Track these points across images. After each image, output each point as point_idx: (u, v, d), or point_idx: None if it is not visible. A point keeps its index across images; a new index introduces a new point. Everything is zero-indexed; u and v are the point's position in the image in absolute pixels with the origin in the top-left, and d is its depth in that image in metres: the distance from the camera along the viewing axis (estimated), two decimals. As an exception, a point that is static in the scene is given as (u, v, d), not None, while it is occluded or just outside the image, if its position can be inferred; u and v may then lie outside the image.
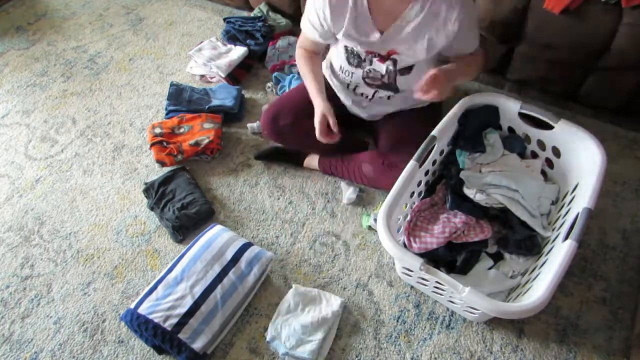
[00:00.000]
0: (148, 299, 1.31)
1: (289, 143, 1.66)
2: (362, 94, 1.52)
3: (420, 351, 1.30)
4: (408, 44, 1.30)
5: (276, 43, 2.06)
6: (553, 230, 1.34)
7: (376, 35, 1.30)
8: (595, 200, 1.19)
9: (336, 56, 1.47)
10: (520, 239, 1.36)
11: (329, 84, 1.60)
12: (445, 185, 1.47)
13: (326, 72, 1.62)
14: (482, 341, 1.31)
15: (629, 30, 1.41)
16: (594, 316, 1.33)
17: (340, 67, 1.47)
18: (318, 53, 1.53)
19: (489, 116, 1.48)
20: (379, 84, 1.44)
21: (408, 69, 1.38)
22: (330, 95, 1.61)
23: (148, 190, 1.66)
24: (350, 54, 1.40)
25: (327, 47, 1.55)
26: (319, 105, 1.40)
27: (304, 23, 1.42)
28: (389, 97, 1.49)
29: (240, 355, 1.32)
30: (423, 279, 1.24)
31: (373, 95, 1.50)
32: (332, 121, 1.38)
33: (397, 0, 1.24)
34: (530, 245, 1.35)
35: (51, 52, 2.26)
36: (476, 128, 1.48)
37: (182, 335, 1.25)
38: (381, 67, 1.38)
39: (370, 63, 1.39)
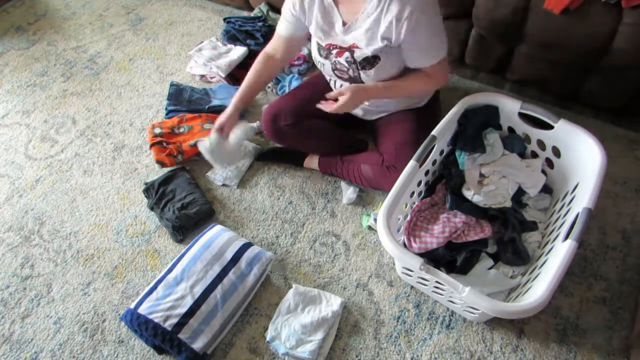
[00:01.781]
0: (148, 299, 1.31)
1: (289, 143, 1.66)
2: (341, 86, 1.51)
3: (420, 351, 1.30)
4: (366, 38, 1.31)
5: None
6: (551, 228, 1.34)
7: (340, 27, 1.33)
8: (595, 200, 1.18)
9: (312, 48, 1.50)
10: (516, 243, 1.36)
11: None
12: (445, 185, 1.47)
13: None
14: (482, 341, 1.31)
15: (629, 30, 1.41)
16: (594, 316, 1.33)
17: (315, 58, 1.49)
18: (274, 56, 1.53)
19: (489, 116, 1.48)
20: (347, 78, 1.45)
21: (369, 65, 1.36)
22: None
23: (148, 190, 1.66)
24: (320, 47, 1.43)
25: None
26: (224, 112, 1.49)
27: (279, 21, 1.48)
28: None
29: (240, 355, 1.32)
30: (423, 279, 1.24)
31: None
32: (220, 123, 1.46)
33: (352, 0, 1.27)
34: (524, 254, 1.35)
35: (51, 52, 2.26)
36: (476, 128, 1.48)
37: (182, 335, 1.25)
38: (341, 60, 1.39)
39: (335, 55, 1.40)
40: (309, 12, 1.37)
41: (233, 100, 1.51)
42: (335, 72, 1.46)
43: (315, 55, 1.48)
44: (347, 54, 1.36)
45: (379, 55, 1.33)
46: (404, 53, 1.32)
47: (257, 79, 1.53)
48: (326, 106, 1.35)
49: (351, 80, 1.45)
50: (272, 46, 1.53)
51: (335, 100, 1.35)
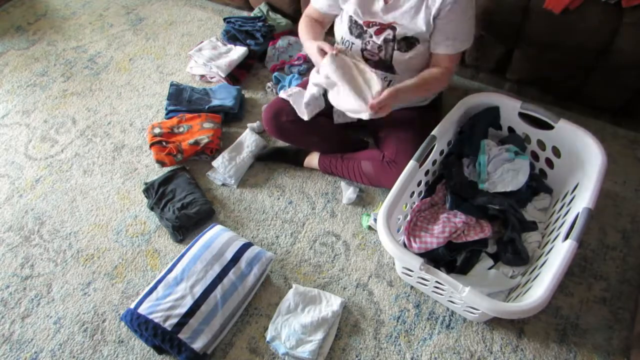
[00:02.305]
0: (148, 299, 1.31)
1: (291, 140, 1.65)
2: None
3: (420, 351, 1.30)
4: (410, 15, 1.31)
5: (276, 43, 2.06)
6: (551, 228, 1.34)
7: (381, 5, 1.33)
8: (595, 200, 1.18)
9: (339, 27, 1.48)
10: (515, 243, 1.36)
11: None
12: (445, 185, 1.47)
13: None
14: (482, 341, 1.31)
15: (629, 30, 1.41)
16: (594, 316, 1.33)
17: (342, 38, 1.47)
18: (321, 22, 1.53)
19: (492, 118, 1.48)
20: (376, 60, 1.43)
21: (406, 46, 1.37)
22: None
23: (148, 190, 1.66)
24: (354, 24, 1.41)
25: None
26: (314, 44, 1.37)
27: None
28: (388, 84, 1.48)
29: (240, 355, 1.32)
30: (423, 279, 1.24)
31: None
32: (327, 47, 1.34)
33: None
34: (524, 254, 1.35)
35: (51, 52, 2.26)
36: (483, 133, 1.48)
37: (182, 335, 1.25)
38: (379, 38, 1.38)
39: (371, 35, 1.39)
40: None
41: (312, 43, 1.39)
42: (364, 52, 1.44)
43: (344, 34, 1.45)
44: (388, 31, 1.36)
45: (418, 38, 1.35)
46: (435, 34, 1.33)
47: (315, 34, 1.47)
48: (374, 110, 1.26)
49: (378, 63, 1.44)
50: (307, 13, 1.53)
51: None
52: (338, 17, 1.49)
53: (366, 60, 1.45)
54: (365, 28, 1.39)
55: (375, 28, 1.37)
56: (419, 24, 1.32)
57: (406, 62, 1.39)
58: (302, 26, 1.52)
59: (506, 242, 1.37)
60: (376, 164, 1.51)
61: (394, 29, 1.35)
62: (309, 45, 1.41)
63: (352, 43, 1.44)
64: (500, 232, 1.40)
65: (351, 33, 1.43)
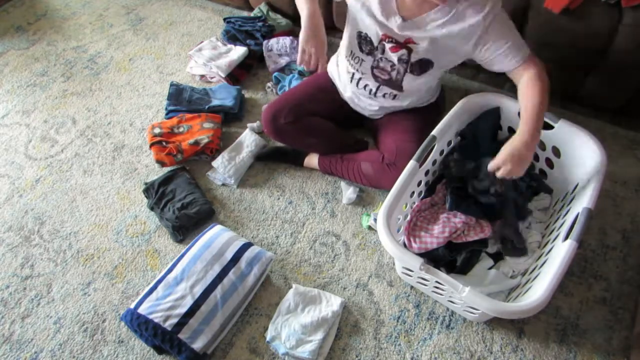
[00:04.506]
0: (148, 299, 1.31)
1: (289, 141, 1.65)
2: (365, 87, 1.48)
3: (420, 351, 1.30)
4: (429, 38, 1.24)
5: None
6: (551, 228, 1.34)
7: (397, 20, 1.25)
8: (595, 200, 1.19)
9: (347, 42, 1.41)
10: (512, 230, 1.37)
11: (332, 78, 1.62)
12: (445, 185, 1.47)
13: (332, 67, 1.63)
14: (482, 341, 1.31)
15: (629, 30, 1.41)
16: (594, 316, 1.33)
17: (351, 52, 1.41)
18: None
19: (494, 120, 1.48)
20: (386, 79, 1.40)
21: (419, 69, 1.32)
22: (333, 91, 1.61)
23: (148, 190, 1.66)
24: (364, 40, 1.35)
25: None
26: (307, 9, 1.28)
27: None
28: (394, 97, 1.48)
29: (240, 355, 1.32)
30: (423, 279, 1.24)
31: (377, 90, 1.47)
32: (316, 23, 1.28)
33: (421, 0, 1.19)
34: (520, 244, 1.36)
35: (51, 52, 2.26)
36: (489, 138, 1.48)
37: (182, 335, 1.25)
38: (393, 57, 1.32)
39: (383, 52, 1.33)
40: None
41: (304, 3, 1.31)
42: (374, 70, 1.39)
43: (354, 49, 1.39)
44: (403, 51, 1.29)
45: (432, 61, 1.30)
46: (490, 60, 1.26)
47: None
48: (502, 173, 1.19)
49: (387, 83, 1.39)
50: None
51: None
52: (346, 32, 1.42)
53: (374, 77, 1.41)
54: (376, 45, 1.32)
55: (390, 45, 1.30)
56: (439, 51, 1.25)
57: (417, 84, 1.36)
58: None
59: (505, 238, 1.38)
60: (376, 165, 1.51)
61: (409, 49, 1.28)
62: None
63: (362, 60, 1.39)
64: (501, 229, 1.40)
65: (361, 50, 1.38)
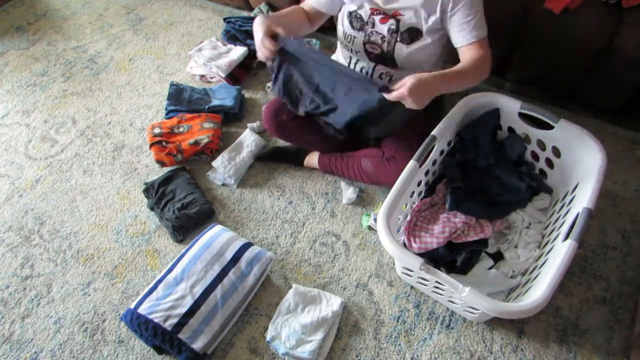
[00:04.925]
0: (148, 299, 1.31)
1: (291, 139, 1.65)
2: (362, 69, 1.50)
3: (420, 351, 1.30)
4: (413, 8, 1.31)
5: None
6: (551, 228, 1.34)
7: None
8: (595, 200, 1.18)
9: (341, 26, 1.47)
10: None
11: None
12: (445, 185, 1.47)
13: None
14: (482, 341, 1.31)
15: (629, 30, 1.41)
16: (594, 316, 1.33)
17: (344, 33, 1.46)
18: (308, 14, 1.50)
19: (494, 120, 1.48)
20: (378, 53, 1.42)
21: (409, 37, 1.36)
22: None
23: (148, 190, 1.66)
24: (354, 18, 1.40)
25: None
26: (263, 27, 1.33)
27: None
28: (390, 79, 1.48)
29: (240, 355, 1.32)
30: (423, 279, 1.24)
31: (372, 72, 1.49)
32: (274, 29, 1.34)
33: None
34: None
35: (51, 52, 2.26)
36: (490, 139, 1.48)
37: (182, 335, 1.25)
38: (383, 28, 1.37)
39: (373, 25, 1.38)
40: None
41: (268, 20, 1.36)
42: (367, 45, 1.43)
43: (345, 29, 1.44)
44: (391, 20, 1.35)
45: (422, 30, 1.34)
46: (451, 28, 1.31)
47: (290, 12, 1.47)
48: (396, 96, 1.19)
49: (380, 58, 1.44)
50: (304, 5, 1.51)
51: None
52: (340, 16, 1.48)
53: (368, 54, 1.44)
54: (366, 20, 1.38)
55: (379, 17, 1.37)
56: (423, 15, 1.31)
57: (409, 55, 1.38)
58: (288, 8, 1.48)
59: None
60: (376, 161, 1.50)
61: (397, 19, 1.34)
62: (259, 22, 1.35)
63: (354, 37, 1.43)
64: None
65: (352, 27, 1.42)
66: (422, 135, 1.36)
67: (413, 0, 1.31)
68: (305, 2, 1.53)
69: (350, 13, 1.41)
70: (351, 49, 1.48)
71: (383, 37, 1.38)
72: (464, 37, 1.31)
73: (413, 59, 1.39)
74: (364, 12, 1.38)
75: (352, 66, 1.52)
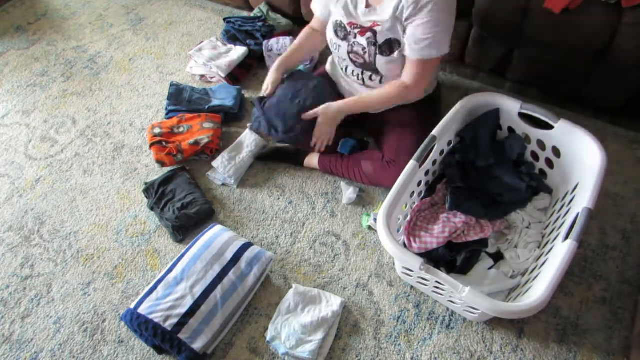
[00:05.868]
0: (148, 299, 1.31)
1: (290, 140, 1.65)
2: (352, 72, 1.55)
3: (420, 351, 1.30)
4: (390, 22, 1.32)
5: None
6: (551, 228, 1.34)
7: (363, 8, 1.37)
8: (595, 200, 1.18)
9: (328, 30, 1.52)
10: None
11: (331, 78, 1.69)
12: (445, 185, 1.47)
13: (329, 66, 1.70)
14: (482, 341, 1.31)
15: (629, 30, 1.41)
16: (594, 316, 1.33)
17: (331, 40, 1.51)
18: (317, 30, 1.61)
19: (494, 120, 1.48)
20: (361, 62, 1.46)
21: (389, 50, 1.38)
22: (337, 91, 1.66)
23: (148, 190, 1.66)
24: (339, 27, 1.44)
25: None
26: (272, 74, 1.58)
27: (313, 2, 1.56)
28: (380, 80, 1.50)
29: (240, 355, 1.32)
30: (423, 279, 1.24)
31: (362, 75, 1.52)
32: (270, 88, 1.57)
33: None
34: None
35: (51, 52, 2.26)
36: (490, 138, 1.48)
37: (182, 335, 1.25)
38: (362, 40, 1.40)
39: (355, 36, 1.42)
40: None
41: (275, 65, 1.59)
42: (351, 55, 1.47)
43: (331, 36, 1.49)
44: (369, 33, 1.37)
45: (400, 41, 1.35)
46: (406, 39, 1.34)
47: (299, 47, 1.62)
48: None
49: (365, 67, 1.47)
50: (313, 23, 1.62)
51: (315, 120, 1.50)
52: (329, 23, 1.51)
53: (353, 62, 1.49)
54: (349, 30, 1.42)
55: (357, 30, 1.40)
56: (397, 28, 1.33)
57: (389, 65, 1.41)
58: (301, 33, 1.64)
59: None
60: (376, 164, 1.51)
61: (374, 32, 1.37)
62: (278, 60, 1.60)
63: (339, 45, 1.48)
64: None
65: (337, 35, 1.47)
66: (422, 137, 1.36)
67: (385, 13, 1.33)
68: (313, 20, 1.61)
69: (335, 21, 1.45)
70: (339, 56, 1.53)
71: (364, 48, 1.41)
72: (413, 51, 1.34)
73: (393, 68, 1.42)
74: (346, 24, 1.43)
75: (343, 70, 1.59)
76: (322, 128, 1.51)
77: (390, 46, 1.37)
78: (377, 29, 1.35)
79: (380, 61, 1.41)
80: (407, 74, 1.40)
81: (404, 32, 1.33)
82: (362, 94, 1.52)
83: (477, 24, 1.66)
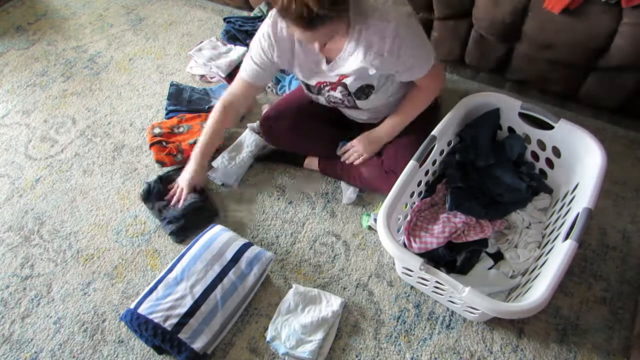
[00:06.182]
0: (148, 299, 1.31)
1: (288, 147, 1.66)
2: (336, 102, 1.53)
3: (420, 351, 1.30)
4: (356, 73, 1.30)
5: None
6: (551, 228, 1.34)
7: (325, 65, 1.32)
8: (596, 200, 1.18)
9: (302, 86, 1.50)
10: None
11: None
12: (445, 185, 1.47)
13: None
14: (482, 341, 1.31)
15: (629, 30, 1.41)
16: (594, 316, 1.33)
17: (306, 92, 1.51)
18: (233, 103, 1.50)
19: (494, 120, 1.48)
20: (345, 105, 1.47)
21: (364, 95, 1.38)
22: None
23: (148, 190, 1.66)
24: (308, 87, 1.45)
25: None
26: (188, 169, 1.56)
27: (245, 60, 1.43)
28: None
29: (240, 355, 1.32)
30: (423, 279, 1.24)
31: (350, 110, 1.54)
32: (184, 192, 1.55)
33: (333, 41, 1.22)
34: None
35: (51, 52, 2.26)
36: (489, 138, 1.48)
37: (182, 335, 1.25)
38: (336, 94, 1.41)
39: (328, 90, 1.41)
40: (288, 54, 1.34)
41: (194, 156, 1.54)
42: (330, 103, 1.48)
43: (306, 90, 1.49)
44: (340, 87, 1.37)
45: (372, 84, 1.35)
46: (396, 76, 1.33)
47: (218, 131, 1.54)
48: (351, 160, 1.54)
49: (349, 107, 1.47)
50: (231, 92, 1.50)
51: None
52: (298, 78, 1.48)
53: (336, 104, 1.49)
54: (320, 87, 1.41)
55: (328, 87, 1.39)
56: (366, 76, 1.31)
57: (372, 102, 1.42)
58: (213, 111, 1.51)
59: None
60: (376, 171, 1.51)
61: (344, 84, 1.35)
62: (196, 151, 1.54)
63: (317, 97, 1.48)
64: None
65: (311, 92, 1.47)
66: (421, 144, 1.36)
67: (348, 65, 1.29)
68: (236, 82, 1.49)
69: (303, 82, 1.43)
70: (319, 100, 1.51)
71: (340, 98, 1.42)
72: (412, 75, 1.33)
73: (376, 103, 1.43)
74: (313, 85, 1.42)
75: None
76: (358, 148, 1.52)
77: (364, 91, 1.37)
78: (346, 80, 1.34)
79: (362, 103, 1.42)
80: (418, 85, 1.39)
81: (380, 69, 1.29)
82: (394, 119, 1.47)
83: (477, 24, 1.66)
